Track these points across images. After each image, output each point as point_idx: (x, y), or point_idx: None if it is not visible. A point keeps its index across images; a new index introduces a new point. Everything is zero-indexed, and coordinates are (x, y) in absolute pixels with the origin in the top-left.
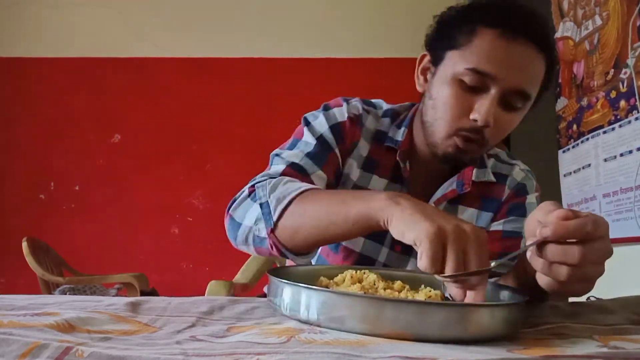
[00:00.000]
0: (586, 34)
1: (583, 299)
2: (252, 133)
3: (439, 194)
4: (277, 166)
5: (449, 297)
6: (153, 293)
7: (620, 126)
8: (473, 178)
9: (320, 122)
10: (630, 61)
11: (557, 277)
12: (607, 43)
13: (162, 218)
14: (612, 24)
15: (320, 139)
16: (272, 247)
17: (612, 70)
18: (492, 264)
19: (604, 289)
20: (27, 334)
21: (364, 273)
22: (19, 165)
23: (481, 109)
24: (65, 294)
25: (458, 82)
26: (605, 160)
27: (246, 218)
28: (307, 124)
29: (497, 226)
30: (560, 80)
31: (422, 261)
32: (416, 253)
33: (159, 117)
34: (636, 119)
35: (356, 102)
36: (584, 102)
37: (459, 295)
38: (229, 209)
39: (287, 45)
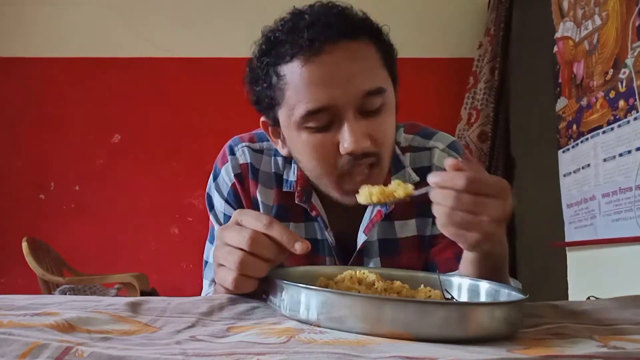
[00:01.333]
0: (586, 34)
1: (583, 298)
2: None
3: (365, 220)
4: (206, 281)
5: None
6: (153, 293)
7: (619, 126)
8: None
9: (217, 201)
10: (630, 61)
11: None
12: (606, 43)
13: (162, 218)
14: (611, 23)
15: None
16: None
17: (612, 70)
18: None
19: (604, 289)
20: (27, 334)
21: (364, 273)
22: (19, 165)
23: (345, 140)
24: (65, 294)
25: (308, 130)
26: (605, 160)
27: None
28: (211, 207)
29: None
30: (560, 80)
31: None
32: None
33: (159, 117)
34: (635, 119)
35: (243, 149)
36: (584, 102)
37: None
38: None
39: None
